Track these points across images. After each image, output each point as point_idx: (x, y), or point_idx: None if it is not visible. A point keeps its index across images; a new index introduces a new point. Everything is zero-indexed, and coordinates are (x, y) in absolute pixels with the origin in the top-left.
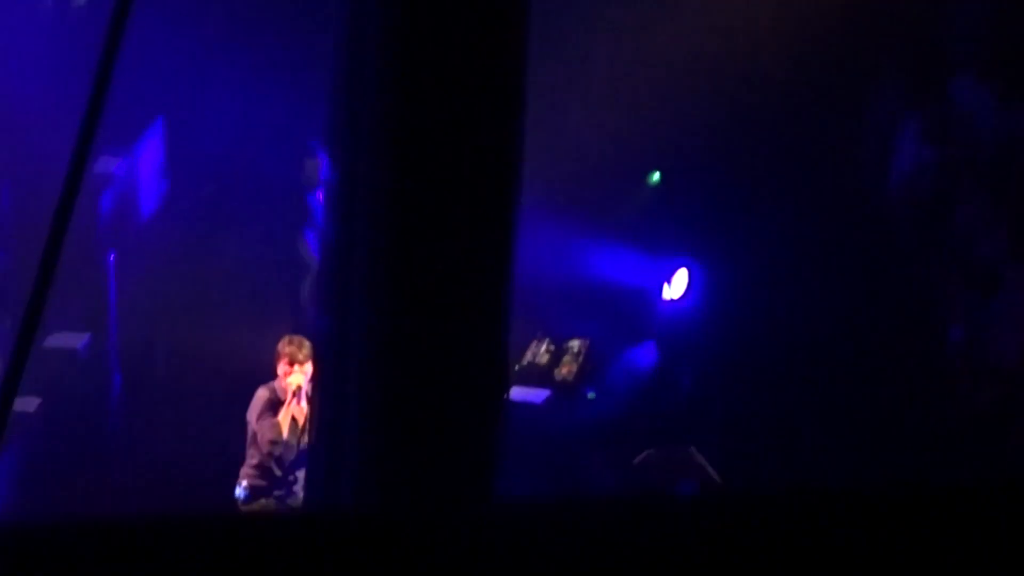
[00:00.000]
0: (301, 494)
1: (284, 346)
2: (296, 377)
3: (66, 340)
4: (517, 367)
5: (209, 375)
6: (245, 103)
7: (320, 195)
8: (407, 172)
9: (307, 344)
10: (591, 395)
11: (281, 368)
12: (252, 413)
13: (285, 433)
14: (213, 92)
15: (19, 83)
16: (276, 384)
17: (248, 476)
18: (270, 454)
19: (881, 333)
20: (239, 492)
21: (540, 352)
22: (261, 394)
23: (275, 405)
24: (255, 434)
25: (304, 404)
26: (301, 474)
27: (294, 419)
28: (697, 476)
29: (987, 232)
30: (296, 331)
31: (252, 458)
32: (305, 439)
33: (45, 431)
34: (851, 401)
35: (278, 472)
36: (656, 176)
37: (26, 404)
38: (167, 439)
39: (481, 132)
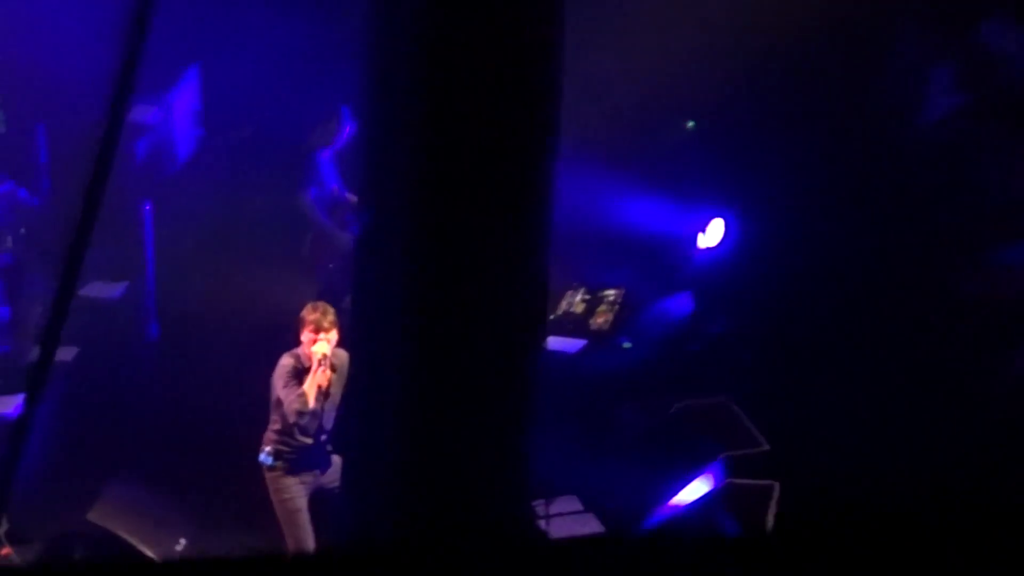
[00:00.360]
0: (327, 461)
1: (308, 313)
2: (321, 346)
3: (102, 290)
4: (552, 317)
5: (244, 323)
6: (279, 52)
7: (327, 155)
8: (442, 121)
9: (331, 311)
10: (626, 344)
11: (305, 336)
12: (277, 381)
13: (311, 403)
14: (248, 40)
15: (55, 25)
16: (300, 351)
17: (272, 442)
18: (296, 424)
19: (915, 278)
20: (263, 457)
21: (575, 301)
22: (285, 362)
23: (299, 373)
24: (279, 401)
25: (329, 372)
26: (325, 439)
27: (319, 387)
28: (733, 429)
29: (1014, 175)
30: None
31: (275, 424)
32: (329, 405)
33: (82, 380)
34: (887, 349)
35: (303, 439)
36: (691, 124)
37: (64, 353)
38: (203, 388)
39: (518, 81)
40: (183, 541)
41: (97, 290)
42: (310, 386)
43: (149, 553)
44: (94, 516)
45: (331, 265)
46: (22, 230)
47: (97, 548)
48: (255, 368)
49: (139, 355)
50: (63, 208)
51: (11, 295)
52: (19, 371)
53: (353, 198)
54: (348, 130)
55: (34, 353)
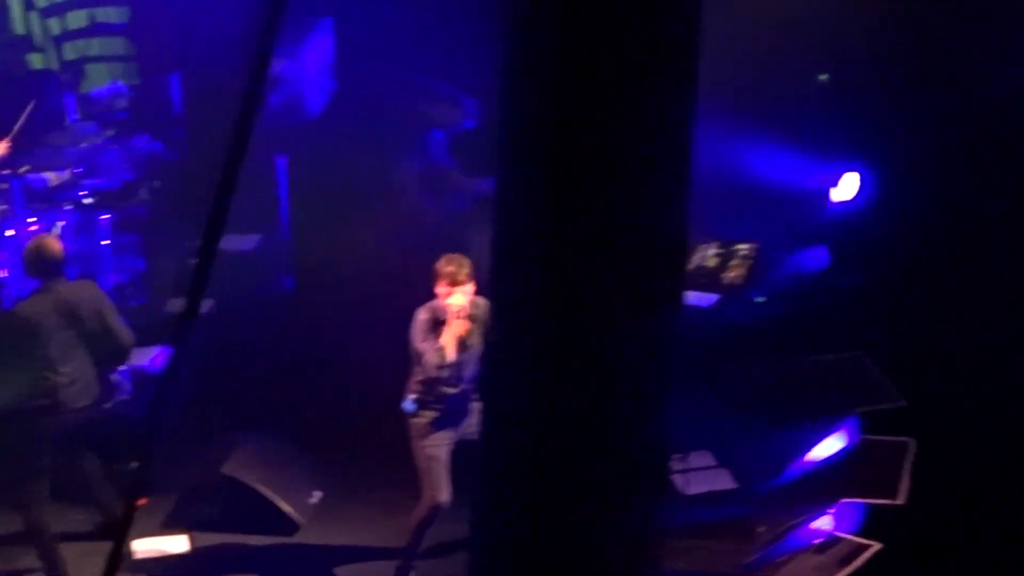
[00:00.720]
0: (470, 410)
1: (443, 266)
2: (457, 298)
3: (236, 242)
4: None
5: (377, 275)
6: (414, 6)
7: (439, 135)
8: (578, 75)
9: (467, 263)
10: (759, 299)
11: (441, 288)
12: (415, 335)
13: (450, 356)
14: None
15: None
16: (436, 304)
17: (415, 391)
18: (437, 376)
19: None
20: (406, 404)
21: (708, 256)
22: (422, 316)
23: (436, 326)
24: (419, 354)
25: (467, 322)
26: (468, 388)
27: (458, 338)
28: (868, 384)
29: None
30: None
31: (417, 375)
32: (469, 355)
33: (218, 332)
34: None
35: (445, 389)
36: (824, 75)
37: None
38: (338, 339)
39: (655, 32)
40: (317, 494)
41: (231, 242)
42: (448, 339)
43: (284, 506)
44: (229, 468)
45: (414, 242)
46: (156, 183)
47: (231, 500)
48: (390, 319)
49: (274, 307)
50: (197, 161)
51: (146, 248)
52: (155, 323)
53: (461, 179)
54: (467, 123)
55: (169, 305)
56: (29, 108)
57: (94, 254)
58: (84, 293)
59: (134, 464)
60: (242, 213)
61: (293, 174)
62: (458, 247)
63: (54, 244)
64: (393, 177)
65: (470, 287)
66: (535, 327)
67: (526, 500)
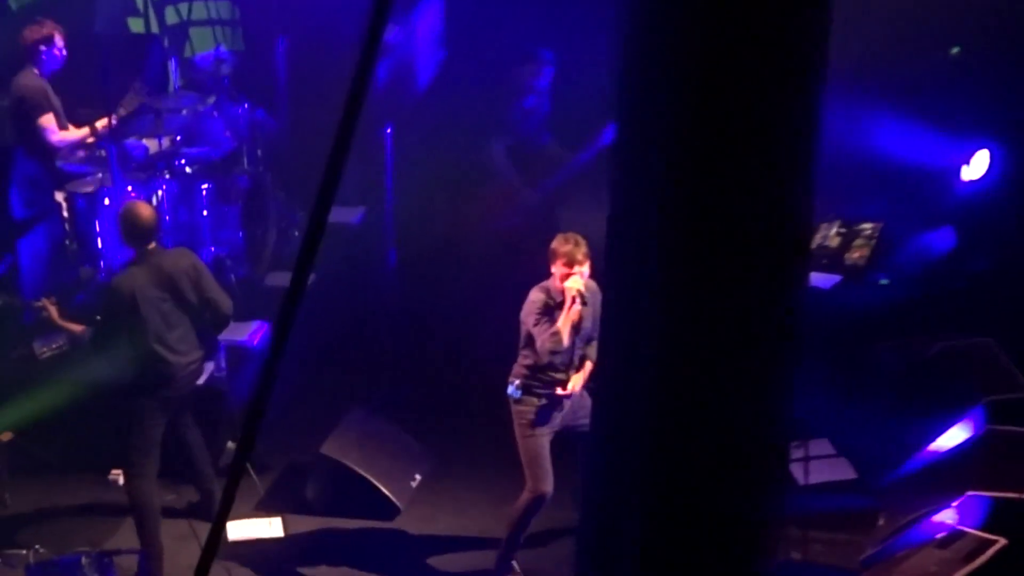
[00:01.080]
0: (578, 396)
1: (560, 245)
2: (575, 281)
3: (341, 215)
4: None
5: (485, 251)
6: None
7: (528, 101)
8: (704, 46)
9: (583, 243)
10: (883, 281)
11: (557, 269)
12: (527, 317)
13: (566, 342)
14: None
15: None
16: (551, 285)
17: (522, 376)
18: (549, 363)
19: None
20: (511, 390)
21: (830, 235)
22: (535, 297)
23: (551, 309)
24: (529, 336)
25: (581, 307)
26: (576, 377)
27: (572, 324)
28: (996, 372)
29: None
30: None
31: (526, 359)
32: (580, 339)
33: (320, 307)
34: None
35: (555, 375)
36: (956, 49)
37: None
38: (442, 318)
39: (783, 10)
40: (418, 477)
41: (336, 214)
42: (564, 324)
43: (383, 488)
44: (328, 448)
45: (505, 224)
46: (258, 152)
47: (329, 482)
48: (497, 297)
49: (378, 282)
50: (301, 130)
51: (246, 219)
52: (255, 296)
53: (552, 150)
54: (547, 73)
55: (270, 279)
56: (136, 88)
57: (193, 225)
58: (181, 262)
59: (231, 445)
60: (348, 184)
61: (398, 145)
62: (553, 226)
63: (148, 210)
64: (492, 152)
65: (587, 268)
66: (652, 309)
67: (638, 489)
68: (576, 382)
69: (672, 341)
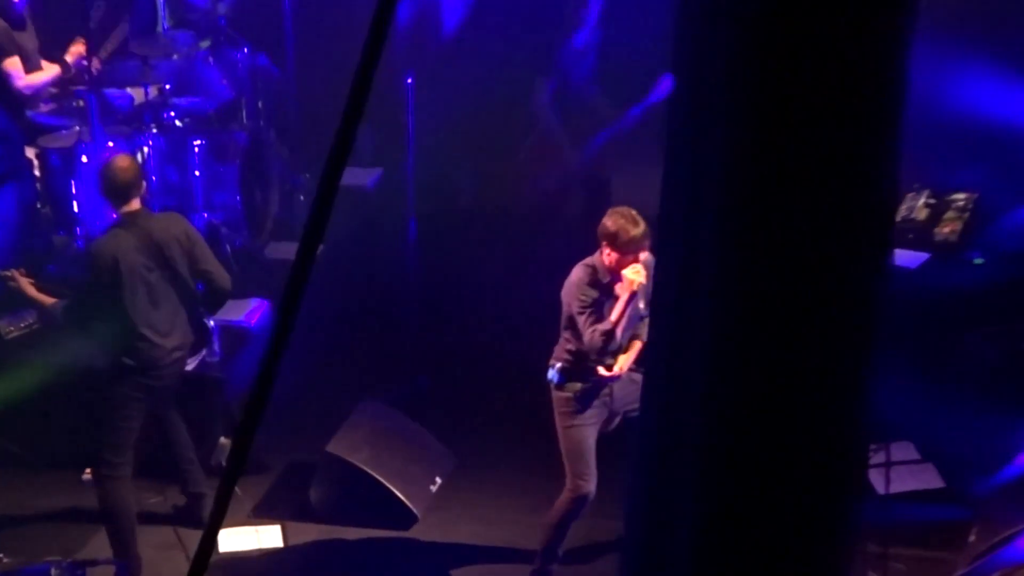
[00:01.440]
0: (624, 382)
1: (622, 228)
2: (638, 273)
3: (355, 177)
4: None
5: (515, 219)
6: None
7: (578, 42)
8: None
9: (642, 223)
10: (977, 260)
11: (609, 252)
12: (571, 299)
13: (619, 337)
14: None
15: None
16: (597, 263)
17: (564, 360)
18: (599, 360)
19: None
20: (552, 374)
21: (917, 206)
22: (580, 276)
23: (597, 292)
24: (571, 318)
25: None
26: (623, 357)
27: (629, 316)
28: None
29: None
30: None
31: (569, 343)
32: (629, 320)
33: (330, 284)
34: None
35: (601, 359)
36: None
37: None
38: (468, 297)
39: None
40: (438, 480)
41: (348, 176)
42: (619, 321)
43: (397, 493)
44: (335, 446)
45: (544, 188)
46: (260, 104)
47: (335, 485)
48: (533, 274)
49: (396, 256)
50: (309, 80)
51: (245, 181)
52: (254, 269)
53: (600, 104)
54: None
55: (271, 250)
56: (123, 25)
57: (183, 187)
58: (172, 229)
59: (224, 441)
60: (362, 142)
61: (420, 97)
62: (598, 192)
63: (129, 162)
64: (537, 99)
65: (648, 254)
66: (708, 291)
67: (693, 495)
68: (623, 363)
69: (732, 329)
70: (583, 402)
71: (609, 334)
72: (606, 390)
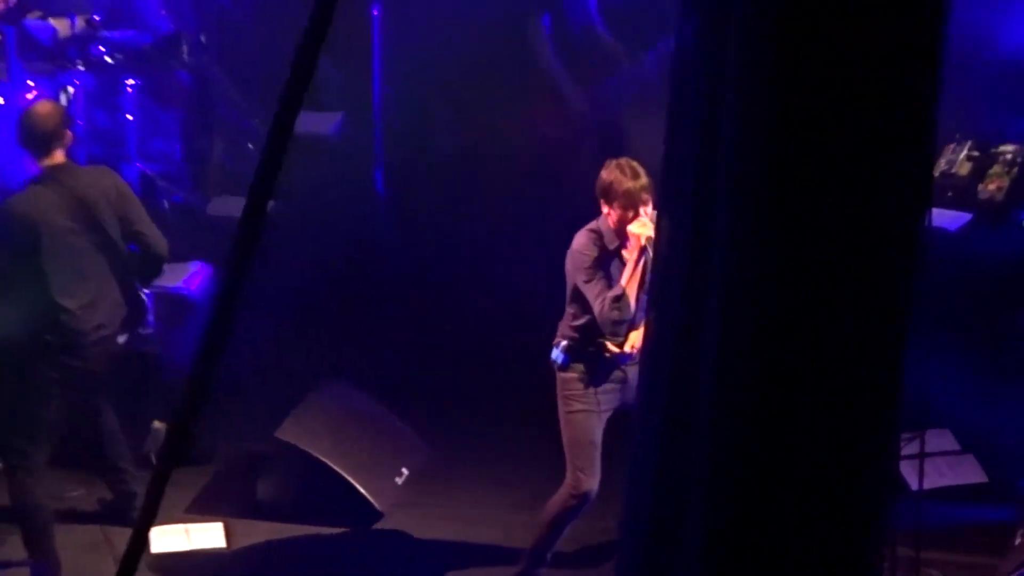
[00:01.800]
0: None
1: (616, 179)
2: (643, 227)
3: (313, 123)
4: None
5: (500, 174)
6: None
7: None
8: None
9: (642, 172)
10: None
11: (614, 210)
12: (575, 271)
13: (633, 306)
14: None
15: None
16: (601, 226)
17: (569, 338)
18: (613, 333)
19: None
20: (556, 354)
21: (959, 160)
22: (584, 243)
23: (604, 260)
24: (577, 291)
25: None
26: (635, 334)
27: (641, 280)
28: None
29: None
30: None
31: (576, 319)
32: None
33: (285, 246)
34: None
35: (612, 338)
36: None
37: None
38: (446, 263)
39: None
40: (405, 472)
41: (305, 122)
42: (629, 284)
43: (357, 485)
44: (285, 432)
45: (543, 138)
46: (202, 37)
47: (287, 477)
48: (526, 238)
49: (361, 215)
50: (260, 10)
51: (186, 127)
52: (195, 228)
53: (609, 40)
54: None
55: (215, 206)
56: None
57: (115, 134)
58: (100, 184)
59: (158, 425)
60: (322, 81)
61: (388, 29)
62: (612, 138)
63: (55, 112)
64: (530, 32)
65: (650, 208)
66: (719, 264)
67: (702, 498)
68: (635, 340)
69: (748, 303)
70: (590, 385)
71: (620, 299)
72: (619, 373)
